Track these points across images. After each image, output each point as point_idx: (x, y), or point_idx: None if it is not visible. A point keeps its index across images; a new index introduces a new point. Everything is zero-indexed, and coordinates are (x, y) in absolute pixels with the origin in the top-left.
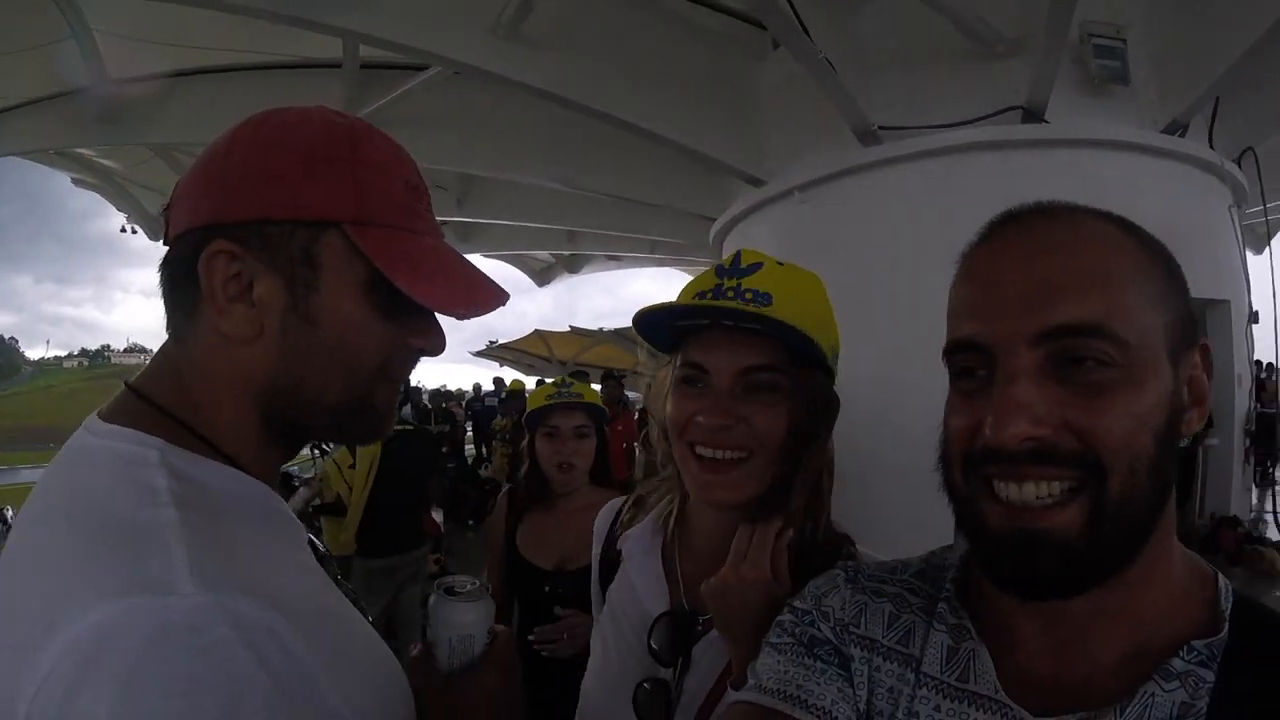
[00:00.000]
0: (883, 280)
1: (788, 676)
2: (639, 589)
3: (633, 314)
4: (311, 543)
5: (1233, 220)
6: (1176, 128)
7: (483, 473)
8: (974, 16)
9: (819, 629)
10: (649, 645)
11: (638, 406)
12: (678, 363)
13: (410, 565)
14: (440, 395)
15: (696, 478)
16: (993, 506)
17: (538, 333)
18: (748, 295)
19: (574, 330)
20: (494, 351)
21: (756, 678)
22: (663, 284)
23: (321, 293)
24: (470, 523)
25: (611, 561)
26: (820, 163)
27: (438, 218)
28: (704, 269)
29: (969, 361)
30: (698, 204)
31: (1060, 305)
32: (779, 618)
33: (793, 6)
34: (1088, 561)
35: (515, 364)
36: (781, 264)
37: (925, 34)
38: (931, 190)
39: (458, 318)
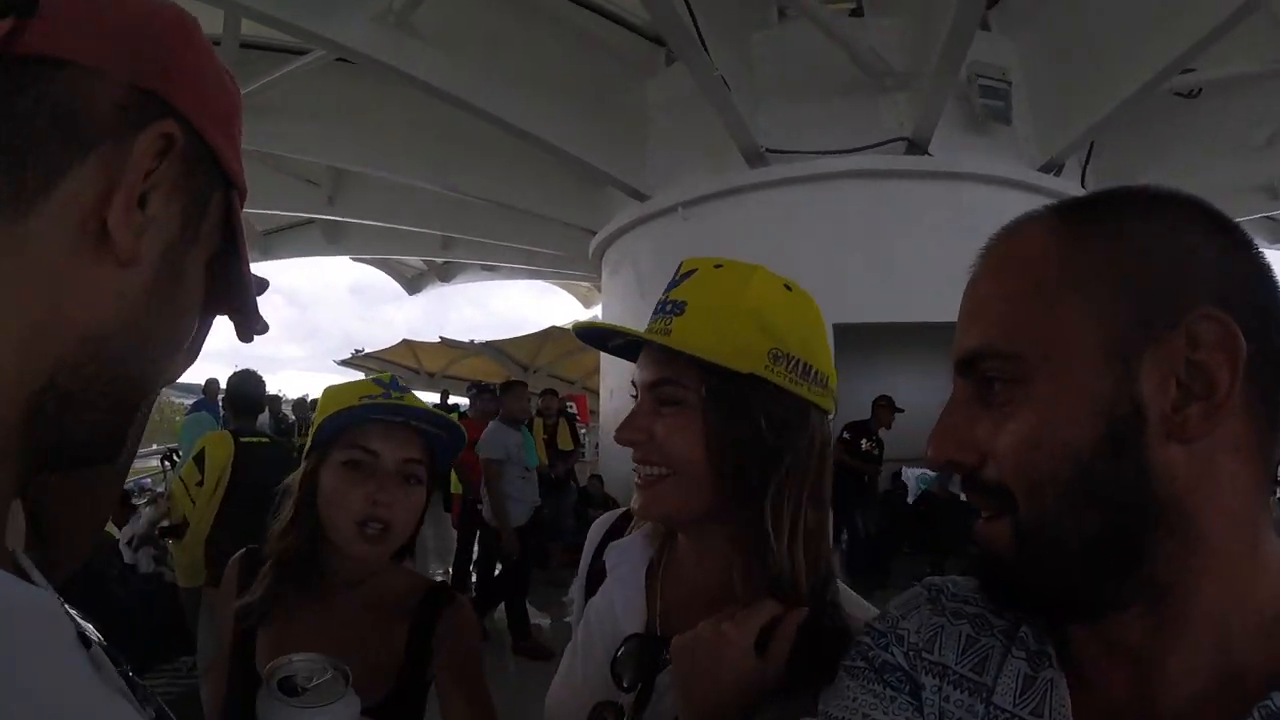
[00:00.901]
0: None
1: (855, 704)
2: (617, 605)
3: (501, 328)
4: (88, 645)
5: None
6: (1052, 167)
7: None
8: (867, 49)
9: (892, 653)
10: (612, 666)
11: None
12: (633, 380)
13: None
14: (304, 405)
15: (635, 493)
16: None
17: (406, 343)
18: (668, 307)
19: (444, 341)
20: (359, 361)
21: (825, 703)
22: (537, 296)
23: (196, 244)
24: None
25: (598, 573)
26: (705, 181)
27: (307, 214)
28: (579, 284)
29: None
30: (579, 216)
31: (968, 330)
32: (858, 637)
33: (695, 23)
34: (1033, 580)
35: (381, 375)
36: (719, 266)
37: (817, 62)
38: (814, 214)
39: (245, 330)
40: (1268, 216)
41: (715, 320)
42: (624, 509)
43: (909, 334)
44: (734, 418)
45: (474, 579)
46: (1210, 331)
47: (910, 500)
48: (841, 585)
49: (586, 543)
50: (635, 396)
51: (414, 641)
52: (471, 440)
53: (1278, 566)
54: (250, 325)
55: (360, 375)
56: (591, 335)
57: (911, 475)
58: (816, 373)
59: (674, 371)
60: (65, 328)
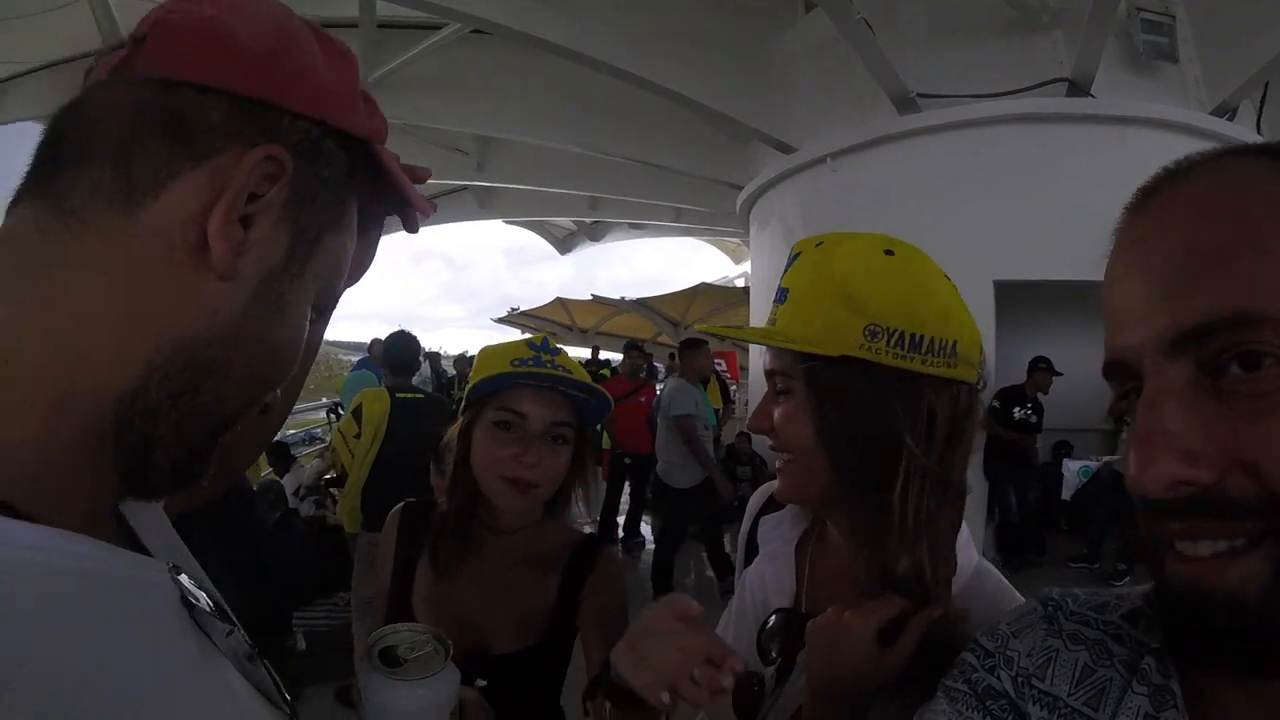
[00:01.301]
0: None
1: None
2: (767, 578)
3: (652, 284)
4: (191, 608)
5: None
6: (1224, 111)
7: None
8: None
9: (998, 677)
10: (758, 638)
11: (660, 379)
12: None
13: None
14: (464, 361)
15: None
16: (1174, 563)
17: (559, 301)
18: (778, 294)
19: (596, 299)
20: (515, 319)
21: None
22: (687, 253)
23: (302, 280)
24: None
25: (754, 544)
26: (853, 130)
27: (456, 182)
28: (728, 239)
29: (1124, 386)
30: (724, 171)
31: (1198, 294)
32: (962, 654)
33: None
34: (1274, 630)
35: (536, 332)
36: (820, 244)
37: (967, 1)
38: (969, 162)
39: (411, 222)
40: None
41: (806, 305)
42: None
43: (1073, 293)
44: (834, 406)
45: (620, 532)
46: None
47: (1066, 496)
48: (987, 568)
49: (745, 512)
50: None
51: (564, 592)
52: (618, 396)
53: None
54: (413, 217)
55: (516, 332)
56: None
57: (1072, 468)
58: (932, 341)
59: (781, 361)
60: (160, 328)
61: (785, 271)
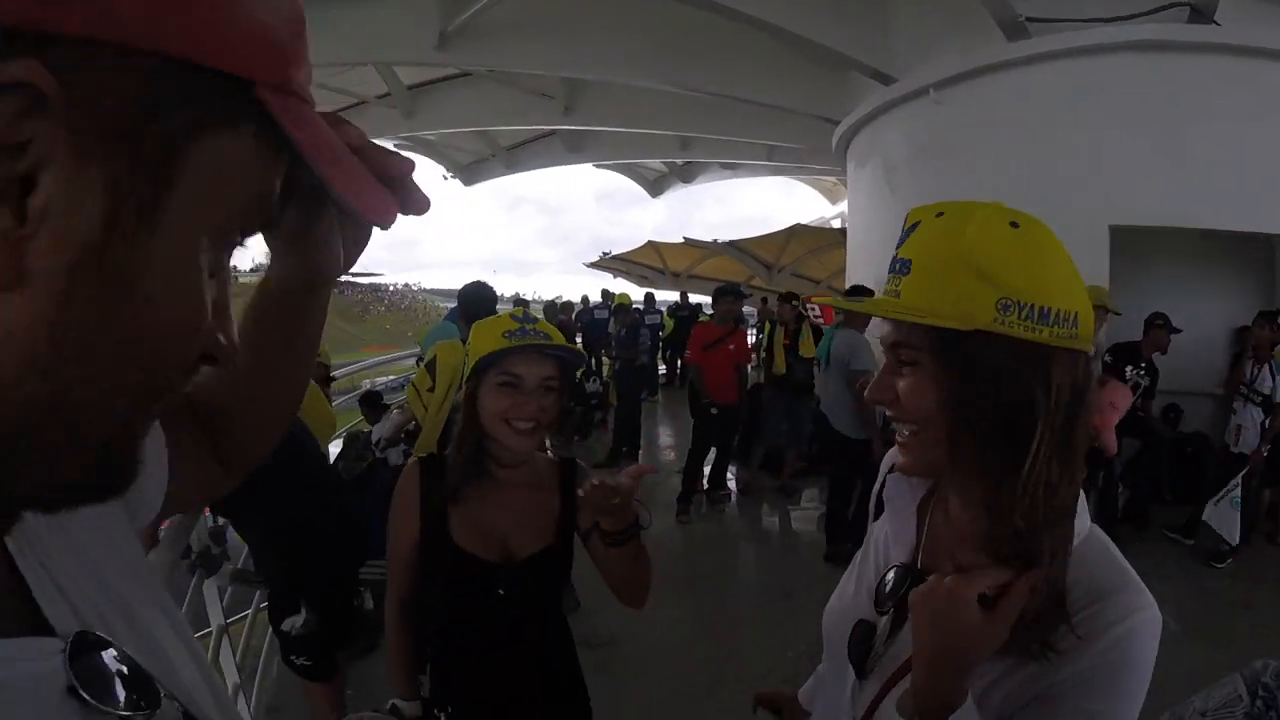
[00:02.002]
0: (1023, 192)
1: None
2: (890, 533)
3: (746, 227)
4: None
5: None
6: None
7: (589, 386)
8: None
9: None
10: (877, 589)
11: (752, 323)
12: None
13: None
14: (554, 307)
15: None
16: None
17: (651, 244)
18: (898, 265)
19: (688, 241)
20: (607, 263)
21: None
22: (782, 194)
23: (157, 234)
24: (575, 438)
25: (882, 501)
26: (958, 59)
27: (544, 126)
28: (824, 179)
29: None
30: (819, 105)
31: None
32: None
33: None
34: None
35: (628, 275)
36: (942, 213)
37: None
38: (1082, 94)
39: (383, 227)
40: None
41: (934, 278)
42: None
43: (1197, 241)
44: (966, 378)
45: (705, 483)
46: None
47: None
48: (1098, 535)
49: (879, 472)
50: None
51: (564, 502)
52: (707, 343)
53: None
54: (370, 218)
55: (608, 276)
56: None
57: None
58: (1059, 313)
59: (906, 333)
60: None
61: (902, 242)
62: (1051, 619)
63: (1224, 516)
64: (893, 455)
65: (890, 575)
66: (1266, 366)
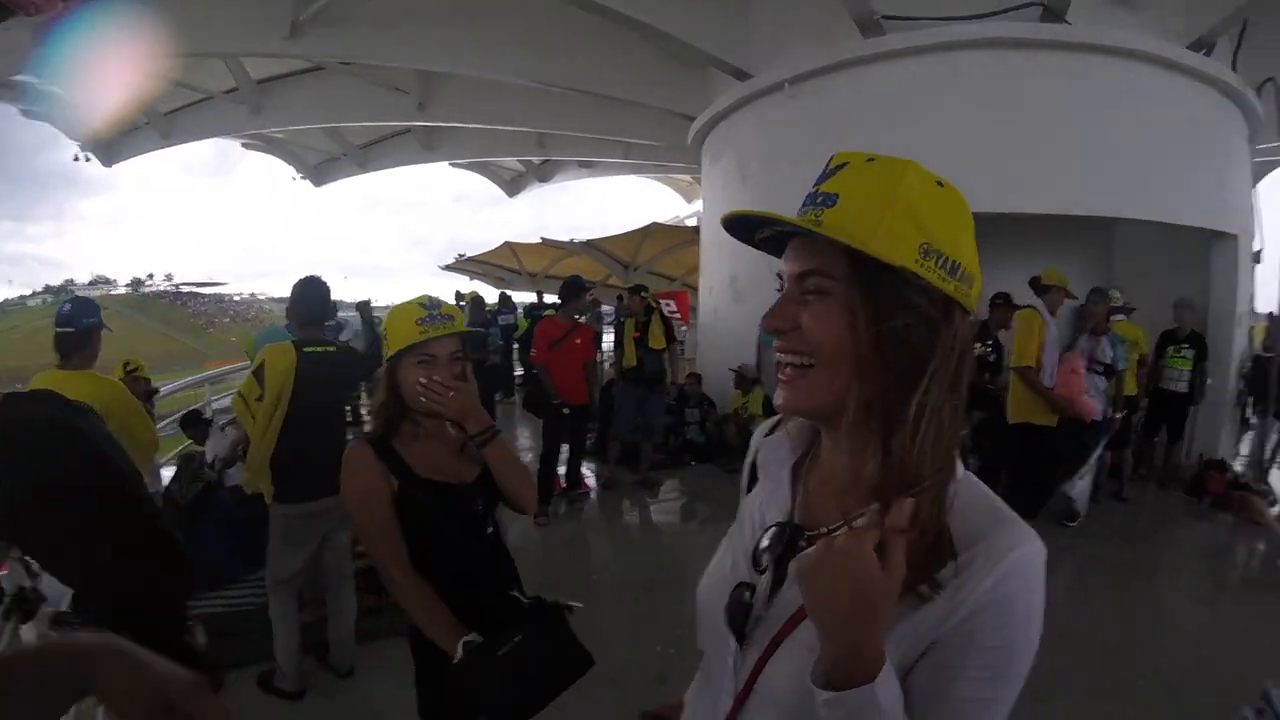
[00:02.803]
0: None
1: None
2: (766, 498)
3: (603, 225)
4: None
5: (1250, 153)
6: (1201, 46)
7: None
8: None
9: None
10: (753, 551)
11: (609, 321)
12: (777, 273)
13: (335, 510)
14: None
15: (777, 385)
16: None
17: (507, 245)
18: (818, 199)
19: (545, 242)
20: (463, 265)
21: None
22: (638, 192)
23: None
24: None
25: (755, 471)
26: (814, 54)
27: (398, 122)
28: (680, 177)
29: None
30: (677, 101)
31: None
32: None
33: None
34: None
35: (484, 277)
36: (872, 159)
37: None
38: (937, 89)
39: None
40: None
41: (868, 211)
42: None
43: (1041, 225)
44: (883, 309)
45: (563, 483)
46: None
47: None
48: (972, 479)
49: (750, 446)
50: (780, 289)
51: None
52: (553, 339)
53: None
54: None
55: (465, 279)
56: (738, 228)
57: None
58: (963, 271)
59: (822, 261)
60: None
61: (826, 177)
62: (939, 557)
63: (1080, 491)
64: (764, 429)
65: (768, 534)
66: (1104, 338)
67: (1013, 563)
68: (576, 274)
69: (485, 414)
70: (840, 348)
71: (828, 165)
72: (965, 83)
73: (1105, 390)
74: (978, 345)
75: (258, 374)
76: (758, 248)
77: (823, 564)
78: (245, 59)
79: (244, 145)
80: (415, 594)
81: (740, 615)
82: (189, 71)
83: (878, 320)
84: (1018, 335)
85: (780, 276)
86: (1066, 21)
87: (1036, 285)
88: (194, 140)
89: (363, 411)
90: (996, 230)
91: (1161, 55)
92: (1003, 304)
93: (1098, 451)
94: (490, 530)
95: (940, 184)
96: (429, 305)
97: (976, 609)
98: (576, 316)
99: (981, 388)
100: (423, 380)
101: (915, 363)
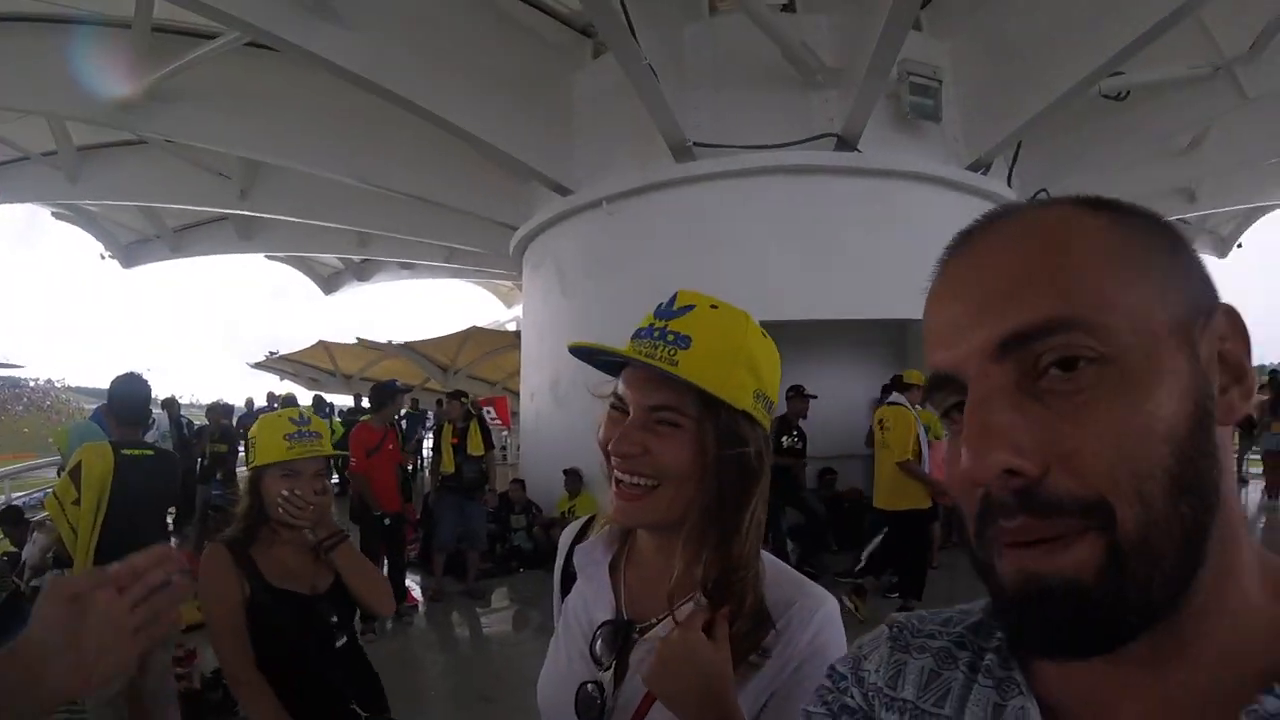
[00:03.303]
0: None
1: None
2: (588, 598)
3: (422, 327)
4: None
5: None
6: (980, 166)
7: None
8: (799, 44)
9: (851, 696)
10: (590, 650)
11: (429, 425)
12: (614, 392)
13: None
14: (218, 410)
15: (615, 501)
16: (1007, 560)
17: (322, 344)
18: (670, 337)
19: (362, 342)
20: (273, 363)
21: None
22: (459, 296)
23: None
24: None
25: (569, 574)
26: (630, 175)
27: (217, 209)
28: (501, 283)
29: (948, 398)
30: (500, 211)
31: (1017, 305)
32: (819, 684)
33: (625, 11)
34: (1115, 610)
35: (296, 377)
36: (715, 306)
37: (748, 56)
38: (742, 209)
39: None
40: (1182, 219)
41: (720, 360)
42: (587, 517)
43: (842, 330)
44: (728, 445)
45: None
46: (1229, 322)
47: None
48: (769, 557)
49: (558, 550)
50: (617, 408)
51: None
52: (365, 448)
53: (1258, 564)
54: None
55: (274, 377)
56: (585, 353)
57: None
58: (770, 401)
59: (675, 398)
60: None
61: (673, 315)
62: (763, 627)
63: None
64: (570, 532)
65: (600, 632)
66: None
67: (822, 618)
68: (391, 378)
69: (333, 522)
70: (688, 471)
71: (673, 303)
72: (768, 203)
73: None
74: (784, 438)
75: (74, 475)
76: (593, 364)
77: (665, 666)
78: (71, 123)
79: (54, 215)
80: (258, 698)
81: (594, 712)
82: (5, 125)
83: (720, 448)
84: (896, 432)
85: (619, 399)
86: (858, 150)
87: (899, 384)
88: (5, 203)
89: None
90: (802, 335)
91: (944, 176)
92: (795, 394)
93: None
94: (344, 641)
95: (764, 334)
96: (298, 421)
97: (802, 661)
98: (388, 423)
99: (791, 487)
100: (284, 493)
101: (749, 480)
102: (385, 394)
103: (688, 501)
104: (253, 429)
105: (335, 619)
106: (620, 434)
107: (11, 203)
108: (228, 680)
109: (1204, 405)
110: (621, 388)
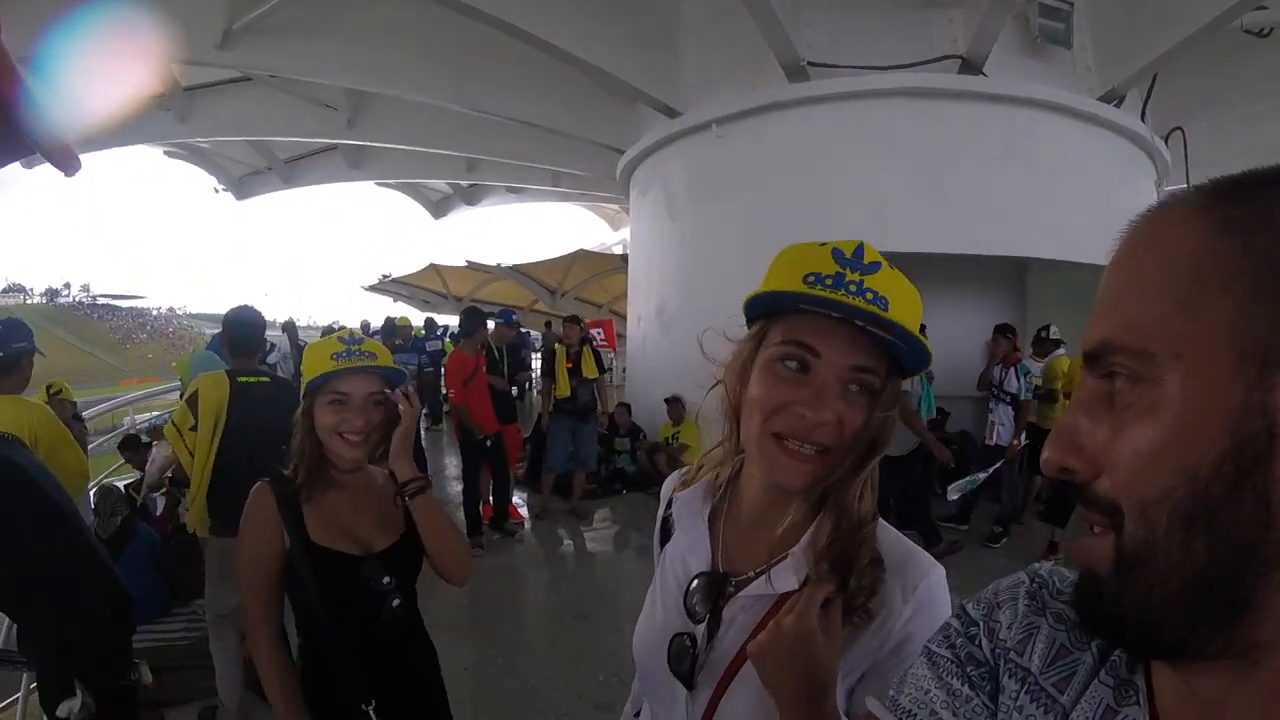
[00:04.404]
0: (798, 224)
1: (927, 697)
2: (684, 548)
3: (529, 251)
4: None
5: (1156, 196)
6: (1112, 98)
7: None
8: None
9: (980, 646)
10: (685, 601)
11: (538, 347)
12: (773, 339)
13: None
14: (333, 333)
15: (775, 459)
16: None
17: (433, 267)
18: (869, 295)
19: (471, 265)
20: (387, 286)
21: (898, 689)
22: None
23: None
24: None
25: (669, 523)
26: (741, 96)
27: (328, 140)
28: (608, 206)
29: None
30: (606, 134)
31: (1099, 320)
32: (947, 621)
33: None
34: (1119, 607)
35: (409, 299)
36: (892, 268)
37: None
38: (857, 134)
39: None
40: None
41: (912, 321)
42: (686, 467)
43: (957, 266)
44: (888, 409)
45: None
46: None
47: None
48: (880, 524)
49: (661, 497)
50: (798, 364)
51: (400, 504)
52: (461, 378)
53: None
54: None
55: (388, 299)
56: (770, 299)
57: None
58: None
59: (876, 361)
60: None
61: (867, 270)
62: (874, 586)
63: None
64: (671, 482)
65: (696, 584)
66: (1012, 370)
67: (929, 585)
68: (514, 305)
69: (412, 463)
70: (863, 439)
71: (863, 256)
72: (885, 128)
73: (1014, 418)
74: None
75: (191, 402)
76: (754, 314)
77: (774, 645)
78: (174, 65)
79: (166, 154)
80: (265, 663)
81: (686, 663)
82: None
83: (891, 419)
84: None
85: (803, 347)
86: (984, 74)
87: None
88: (118, 146)
89: None
90: (916, 270)
91: (1073, 107)
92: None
93: (987, 474)
94: (395, 605)
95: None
96: (349, 340)
97: (904, 636)
98: (479, 348)
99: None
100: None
101: (883, 440)
102: (473, 319)
103: (850, 463)
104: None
105: (387, 579)
106: (816, 400)
107: (125, 145)
108: (246, 635)
109: (1250, 443)
110: (809, 337)
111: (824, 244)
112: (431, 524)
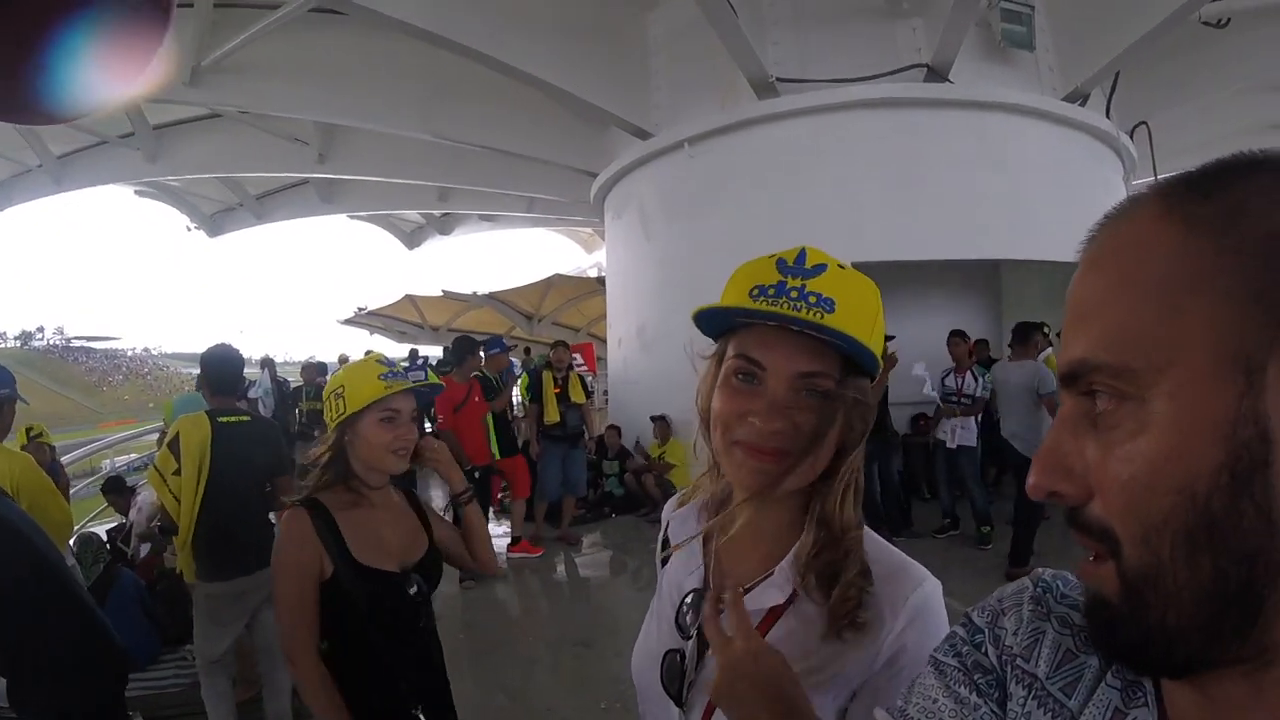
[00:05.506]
0: (774, 239)
1: (935, 707)
2: (678, 567)
3: (505, 277)
4: None
5: (1125, 191)
6: (1076, 97)
7: None
8: None
9: (986, 653)
10: (676, 619)
11: (517, 373)
12: (728, 354)
13: (264, 587)
14: (312, 368)
15: (739, 464)
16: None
17: (408, 298)
18: (811, 299)
19: (447, 294)
20: (363, 319)
21: (905, 700)
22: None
23: None
24: None
25: (667, 545)
26: (712, 115)
27: (299, 174)
28: (582, 230)
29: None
30: (579, 158)
31: (1072, 338)
32: (952, 629)
33: None
34: (1137, 630)
35: (385, 331)
36: (843, 267)
37: None
38: (829, 146)
39: None
40: None
41: (863, 323)
42: (683, 490)
43: (933, 271)
44: (857, 409)
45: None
46: None
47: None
48: (869, 534)
49: (661, 520)
50: (746, 376)
51: (419, 516)
52: (452, 404)
53: None
54: None
55: (364, 332)
56: (712, 316)
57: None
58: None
59: (824, 364)
60: None
61: (809, 274)
62: (860, 596)
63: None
64: (672, 505)
65: (687, 600)
66: (969, 373)
67: (919, 600)
68: (493, 331)
69: (463, 475)
70: (822, 441)
71: (804, 261)
72: (855, 139)
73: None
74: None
75: (172, 446)
76: (703, 328)
77: (732, 669)
78: (144, 104)
79: (137, 193)
80: (313, 685)
81: (676, 680)
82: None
83: (859, 422)
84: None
85: (750, 362)
86: (949, 80)
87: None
88: (87, 186)
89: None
90: (893, 277)
91: (1039, 108)
92: (889, 338)
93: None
94: (427, 617)
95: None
96: (387, 362)
97: (898, 650)
98: (472, 374)
99: (877, 425)
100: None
101: (856, 438)
102: (465, 348)
103: (817, 468)
104: (336, 378)
105: (415, 590)
106: (764, 406)
107: (93, 185)
108: (285, 657)
109: (1245, 452)
110: (756, 350)
111: (771, 256)
112: (480, 525)
